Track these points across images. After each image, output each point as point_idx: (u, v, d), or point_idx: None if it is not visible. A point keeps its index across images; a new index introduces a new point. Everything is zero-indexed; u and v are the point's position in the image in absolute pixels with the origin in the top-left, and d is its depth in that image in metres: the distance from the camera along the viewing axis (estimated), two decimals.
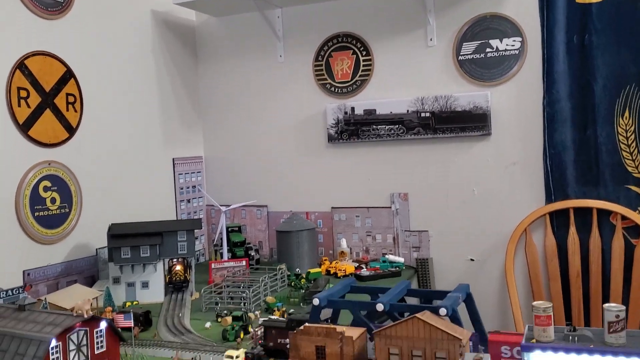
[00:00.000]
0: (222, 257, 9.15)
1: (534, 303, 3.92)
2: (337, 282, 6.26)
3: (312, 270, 8.22)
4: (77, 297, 6.05)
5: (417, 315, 4.10)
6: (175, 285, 7.95)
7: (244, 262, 8.73)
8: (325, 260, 9.05)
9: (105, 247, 8.01)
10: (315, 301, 4.95)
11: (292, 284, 7.99)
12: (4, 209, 7.00)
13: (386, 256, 8.54)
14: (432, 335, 4.07)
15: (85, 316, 4.53)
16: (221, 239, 9.32)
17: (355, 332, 4.56)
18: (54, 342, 4.41)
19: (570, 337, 3.81)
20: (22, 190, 7.14)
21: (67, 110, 7.70)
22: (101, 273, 8.12)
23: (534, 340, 3.87)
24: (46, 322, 4.57)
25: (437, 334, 4.05)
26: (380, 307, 4.64)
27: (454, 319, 4.40)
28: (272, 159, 9.88)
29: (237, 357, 5.18)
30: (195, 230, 8.91)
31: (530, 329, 4.08)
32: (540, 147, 7.90)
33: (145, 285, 7.71)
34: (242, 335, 6.04)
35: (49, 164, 7.55)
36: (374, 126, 8.68)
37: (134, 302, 7.21)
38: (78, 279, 7.58)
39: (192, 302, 7.65)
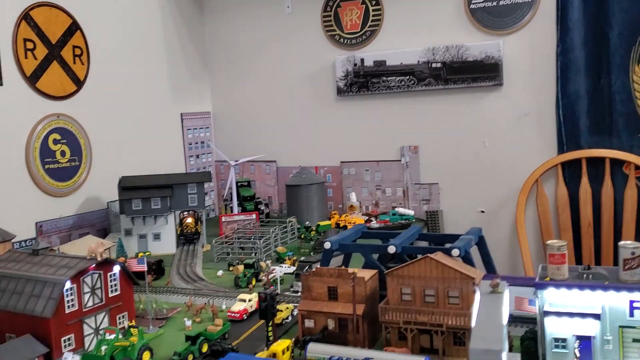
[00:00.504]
0: (232, 212, 9.17)
1: (548, 242, 3.90)
2: None
3: (321, 223, 8.23)
4: None
5: (429, 254, 4.09)
6: (186, 237, 8.01)
7: (254, 216, 8.75)
8: (334, 214, 9.06)
9: (116, 200, 8.04)
10: (327, 244, 4.95)
11: (302, 236, 8.02)
12: (14, 161, 7.02)
13: (396, 209, 8.53)
14: (445, 274, 4.06)
15: (99, 259, 4.55)
16: (231, 193, 9.33)
17: (367, 274, 4.57)
18: (68, 284, 4.45)
19: (585, 275, 3.79)
20: (32, 143, 7.14)
21: (74, 62, 7.63)
22: (113, 226, 8.16)
23: (547, 279, 3.86)
24: (60, 265, 4.60)
25: (450, 273, 4.04)
26: (392, 249, 4.63)
27: (467, 259, 4.39)
28: (280, 113, 9.81)
29: (249, 300, 5.23)
30: (205, 186, 8.92)
31: (544, 268, 4.06)
32: (553, 97, 7.78)
33: (156, 237, 7.76)
34: (253, 282, 6.09)
35: (58, 116, 7.52)
36: (384, 78, 8.56)
37: (146, 253, 7.26)
38: (90, 231, 7.63)
39: (204, 253, 7.70)
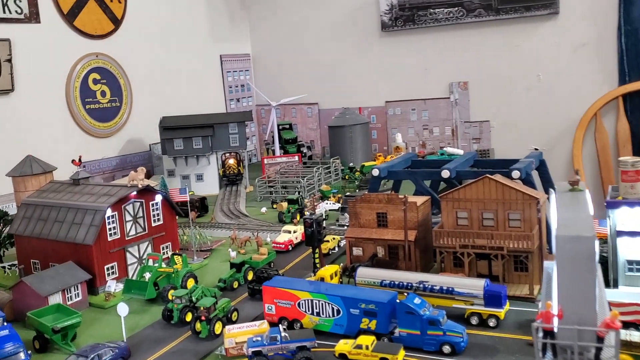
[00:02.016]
0: (274, 154, 8.98)
1: (621, 158, 3.57)
2: None
3: (366, 164, 7.97)
4: None
5: (488, 175, 3.78)
6: (229, 179, 7.90)
7: (296, 158, 8.55)
8: (379, 156, 8.78)
9: (158, 142, 7.93)
10: (375, 171, 4.69)
11: (347, 177, 7.78)
12: (56, 101, 6.95)
13: (444, 149, 8.19)
14: (505, 195, 3.76)
15: (140, 186, 4.40)
16: (272, 135, 9.13)
17: (419, 199, 4.30)
18: (109, 212, 4.33)
19: None
20: (72, 82, 7.03)
21: (111, 0, 7.42)
22: (156, 168, 8.10)
23: (619, 198, 3.53)
24: (101, 194, 4.49)
25: (511, 194, 3.74)
26: (446, 173, 4.35)
27: (528, 182, 4.07)
28: (322, 53, 9.48)
29: (294, 232, 5.05)
30: (247, 131, 8.74)
31: (615, 188, 3.73)
32: (615, 24, 7.23)
33: (199, 177, 7.66)
34: (298, 217, 5.90)
35: (97, 56, 7.38)
36: (431, 10, 8.10)
37: (190, 192, 7.16)
38: None
39: (247, 194, 7.57)
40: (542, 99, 7.95)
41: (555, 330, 2.43)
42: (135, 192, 4.52)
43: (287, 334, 3.58)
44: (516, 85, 8.06)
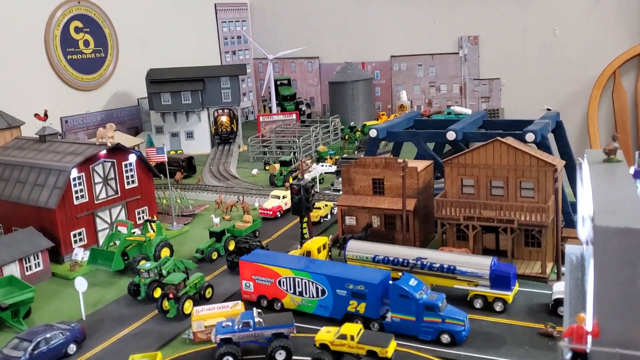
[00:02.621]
0: (270, 111, 8.54)
1: None
2: None
3: (368, 123, 7.54)
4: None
5: (499, 138, 3.31)
6: (221, 137, 7.47)
7: (294, 116, 8.10)
8: (382, 114, 8.32)
9: (146, 97, 7.47)
10: (373, 132, 4.23)
11: (347, 137, 7.34)
12: (33, 51, 6.46)
13: (451, 108, 7.75)
14: (518, 161, 3.30)
15: (109, 144, 3.96)
16: (269, 92, 8.64)
17: (420, 164, 3.84)
18: (75, 173, 3.91)
19: None
20: (52, 30, 6.53)
21: None
22: (145, 124, 7.69)
23: None
24: (67, 152, 4.07)
25: (524, 160, 3.28)
26: (451, 135, 3.88)
27: (543, 147, 3.60)
28: (324, 2, 8.90)
29: (283, 197, 4.62)
30: (243, 86, 8.23)
31: None
32: None
33: (190, 135, 7.25)
34: (290, 180, 5.47)
35: (79, 2, 6.87)
36: None
37: (178, 151, 6.77)
38: (120, 129, 7.16)
39: (240, 153, 7.14)
40: (558, 55, 7.44)
41: (588, 351, 1.97)
42: (104, 151, 4.08)
43: (261, 319, 3.17)
44: (530, 41, 7.53)
